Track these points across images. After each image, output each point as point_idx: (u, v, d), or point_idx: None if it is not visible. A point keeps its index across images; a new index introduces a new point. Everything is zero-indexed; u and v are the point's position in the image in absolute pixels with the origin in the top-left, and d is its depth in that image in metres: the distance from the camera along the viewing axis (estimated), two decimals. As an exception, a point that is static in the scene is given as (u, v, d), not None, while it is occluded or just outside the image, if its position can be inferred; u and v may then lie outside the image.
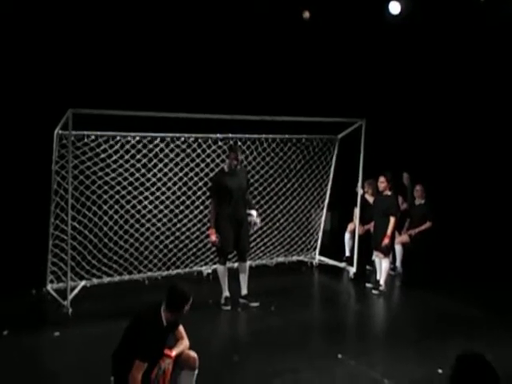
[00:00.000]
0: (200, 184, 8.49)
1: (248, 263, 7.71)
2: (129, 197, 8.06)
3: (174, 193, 8.34)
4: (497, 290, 8.42)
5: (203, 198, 8.54)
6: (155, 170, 8.15)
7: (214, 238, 7.33)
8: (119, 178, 7.89)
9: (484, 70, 10.37)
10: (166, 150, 8.13)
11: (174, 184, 8.32)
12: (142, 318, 4.52)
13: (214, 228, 7.32)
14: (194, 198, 8.49)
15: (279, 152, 9.04)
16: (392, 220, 8.17)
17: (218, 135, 8.41)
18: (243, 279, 7.58)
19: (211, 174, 8.44)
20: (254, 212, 7.55)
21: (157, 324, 4.44)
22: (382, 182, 8.31)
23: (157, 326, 4.44)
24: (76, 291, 7.40)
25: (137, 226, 8.21)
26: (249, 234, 7.72)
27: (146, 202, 8.21)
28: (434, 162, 10.96)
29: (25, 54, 9.36)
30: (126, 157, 7.84)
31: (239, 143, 8.53)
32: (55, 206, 7.34)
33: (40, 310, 7.18)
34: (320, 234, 9.75)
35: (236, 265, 7.88)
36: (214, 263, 8.65)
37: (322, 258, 9.60)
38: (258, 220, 7.59)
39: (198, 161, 8.38)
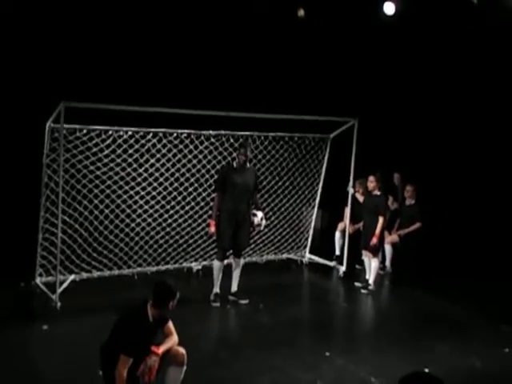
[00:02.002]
0: (192, 180, 8.48)
1: (242, 260, 7.72)
2: (120, 191, 8.03)
3: (165, 188, 8.33)
4: (485, 290, 8.48)
5: (194, 194, 8.54)
6: (147, 165, 8.14)
7: (213, 228, 7.36)
8: (110, 173, 7.87)
9: (477, 70, 10.41)
10: (159, 146, 8.11)
11: (166, 179, 8.31)
12: (128, 314, 4.56)
13: (215, 220, 7.34)
14: (185, 193, 8.49)
15: (271, 150, 9.04)
16: (380, 220, 8.21)
17: (211, 132, 8.42)
18: (235, 276, 7.61)
19: (203, 171, 8.48)
20: (259, 214, 7.53)
21: (142, 320, 4.46)
22: (372, 182, 8.35)
23: (142, 322, 4.45)
24: (65, 285, 7.37)
25: (127, 220, 8.19)
26: (249, 232, 7.70)
27: (137, 197, 8.19)
28: (425, 163, 11.00)
29: (17, 46, 9.29)
30: (118, 151, 7.82)
31: (231, 140, 8.53)
32: (46, 199, 7.31)
33: (28, 304, 7.14)
34: (310, 232, 9.78)
35: (226, 261, 7.87)
36: (204, 260, 8.68)
37: (312, 257, 9.62)
38: (262, 222, 7.56)
39: (190, 157, 8.37)
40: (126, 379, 4.30)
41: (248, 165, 7.57)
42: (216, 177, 8.04)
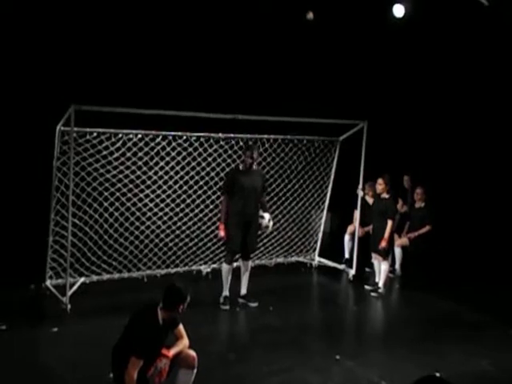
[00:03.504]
0: (201, 183, 8.51)
1: (251, 263, 7.72)
2: (130, 194, 8.07)
3: (174, 191, 8.36)
4: (495, 294, 8.44)
5: (204, 196, 8.56)
6: (157, 168, 8.16)
7: (222, 233, 7.37)
8: (120, 176, 7.90)
9: (487, 74, 10.36)
10: (168, 149, 8.14)
11: (175, 182, 8.33)
12: (139, 316, 4.57)
13: (224, 224, 7.35)
14: (194, 196, 8.51)
15: (280, 153, 9.05)
16: (389, 223, 8.18)
17: (220, 135, 8.43)
18: (244, 278, 7.60)
19: (212, 174, 8.50)
20: (266, 215, 7.52)
21: (152, 322, 4.48)
22: (380, 185, 8.33)
23: (152, 324, 4.47)
24: (75, 287, 7.41)
25: (137, 223, 8.22)
26: (257, 234, 7.70)
27: (146, 200, 8.22)
28: (434, 166, 10.96)
29: (27, 49, 9.35)
30: (128, 154, 7.85)
31: (241, 143, 8.54)
32: (56, 202, 7.35)
33: (38, 306, 7.17)
34: (320, 235, 9.76)
35: (235, 264, 7.87)
36: (214, 262, 8.69)
37: (322, 260, 9.60)
38: (269, 224, 7.55)
39: (199, 160, 8.39)
40: (136, 381, 4.31)
41: (255, 167, 7.57)
42: (224, 180, 8.05)
